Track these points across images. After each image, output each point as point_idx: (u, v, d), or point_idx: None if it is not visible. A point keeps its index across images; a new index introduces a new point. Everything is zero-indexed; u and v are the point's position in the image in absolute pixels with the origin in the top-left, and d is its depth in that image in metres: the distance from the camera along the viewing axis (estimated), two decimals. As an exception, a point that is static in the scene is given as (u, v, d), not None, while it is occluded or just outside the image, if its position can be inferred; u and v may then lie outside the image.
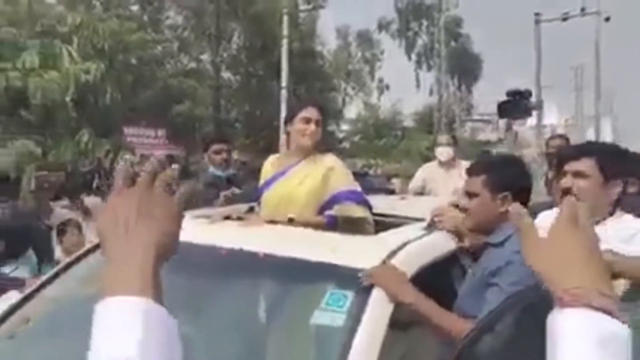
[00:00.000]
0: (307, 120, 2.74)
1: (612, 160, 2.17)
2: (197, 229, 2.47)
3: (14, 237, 3.63)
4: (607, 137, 31.50)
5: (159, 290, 0.73)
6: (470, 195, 2.12)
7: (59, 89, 6.53)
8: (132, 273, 0.72)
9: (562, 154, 2.37)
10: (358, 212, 2.66)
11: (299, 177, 2.71)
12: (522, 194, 2.10)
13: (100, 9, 19.60)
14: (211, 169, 4.32)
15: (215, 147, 4.32)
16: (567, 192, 2.15)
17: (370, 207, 2.74)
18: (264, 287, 2.27)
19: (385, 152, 29.43)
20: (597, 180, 2.13)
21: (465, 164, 5.21)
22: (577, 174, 2.15)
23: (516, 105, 9.06)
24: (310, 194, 2.65)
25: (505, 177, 2.12)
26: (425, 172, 5.14)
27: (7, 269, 3.45)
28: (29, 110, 6.66)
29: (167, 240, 0.77)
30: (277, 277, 2.19)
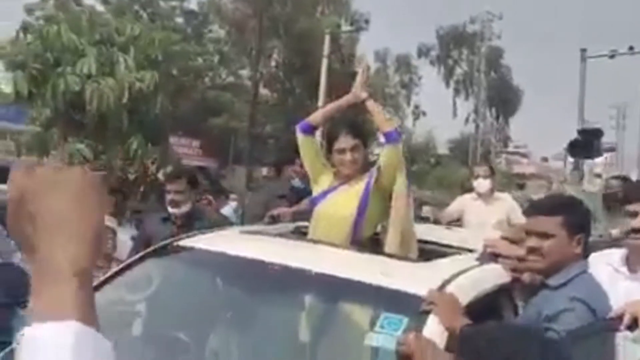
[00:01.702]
0: (342, 151, 2.71)
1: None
2: (250, 245, 2.50)
3: None
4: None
5: (89, 309, 0.67)
6: (542, 235, 2.02)
7: (113, 95, 6.71)
8: (56, 295, 0.66)
9: (631, 193, 2.30)
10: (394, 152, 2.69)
11: (345, 200, 2.70)
12: (588, 237, 2.08)
13: (147, 20, 20.14)
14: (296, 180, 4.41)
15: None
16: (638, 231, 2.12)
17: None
18: (316, 306, 2.27)
19: (417, 178, 29.29)
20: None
21: (503, 196, 5.15)
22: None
23: (588, 144, 8.84)
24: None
25: (582, 218, 2.08)
26: (462, 204, 5.08)
27: None
28: (84, 115, 6.87)
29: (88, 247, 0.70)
30: (330, 296, 2.19)
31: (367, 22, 27.60)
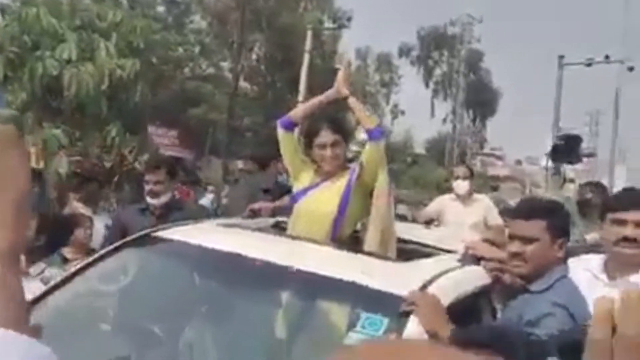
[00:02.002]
0: (323, 146, 2.69)
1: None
2: (228, 238, 2.46)
3: (56, 229, 3.38)
4: (621, 184, 31.38)
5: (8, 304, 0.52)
6: (525, 240, 2.02)
7: (93, 81, 6.56)
8: None
9: (621, 201, 2.29)
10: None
11: (326, 197, 2.68)
12: (568, 241, 2.09)
13: (126, 7, 19.80)
14: (283, 176, 4.37)
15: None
16: (633, 240, 2.14)
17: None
18: (294, 303, 2.24)
19: (394, 176, 29.44)
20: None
21: (480, 197, 5.19)
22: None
23: (571, 150, 8.94)
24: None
25: (564, 222, 2.10)
26: (441, 204, 5.11)
27: (35, 269, 3.14)
28: (61, 100, 6.71)
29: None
30: (309, 293, 2.16)
31: (349, 19, 27.55)
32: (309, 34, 21.84)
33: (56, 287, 2.49)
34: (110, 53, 6.85)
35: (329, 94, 2.79)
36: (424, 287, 1.98)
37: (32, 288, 2.59)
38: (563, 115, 19.39)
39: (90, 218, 4.51)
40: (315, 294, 2.14)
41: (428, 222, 4.85)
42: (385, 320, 1.84)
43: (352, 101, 2.74)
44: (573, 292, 1.99)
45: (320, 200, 2.65)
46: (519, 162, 41.89)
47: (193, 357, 2.32)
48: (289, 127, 2.78)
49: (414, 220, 4.83)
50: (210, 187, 10.90)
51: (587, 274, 2.26)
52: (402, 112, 35.69)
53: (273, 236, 2.60)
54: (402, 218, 4.96)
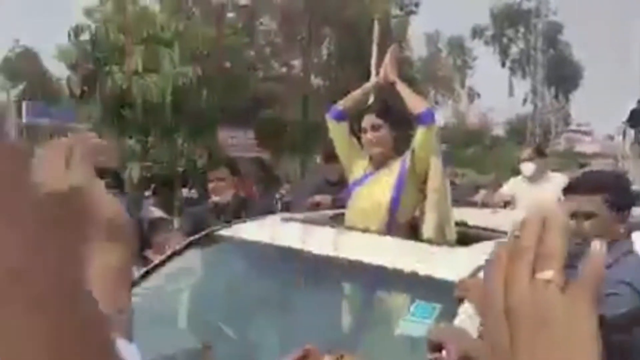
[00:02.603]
0: (364, 131, 2.67)
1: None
2: (285, 232, 2.52)
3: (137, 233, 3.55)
4: None
5: None
6: (585, 215, 1.94)
7: (158, 91, 6.90)
8: None
9: None
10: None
11: (380, 186, 2.65)
12: (630, 214, 1.98)
13: (199, 16, 20.52)
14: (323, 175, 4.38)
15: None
16: None
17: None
18: (350, 294, 2.26)
19: (473, 161, 28.63)
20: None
21: (555, 176, 4.96)
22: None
23: None
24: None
25: (624, 194, 1.99)
26: (512, 187, 4.94)
27: None
28: (133, 111, 7.13)
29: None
30: (364, 284, 2.17)
31: (417, 5, 27.08)
32: (376, 24, 21.65)
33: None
34: (174, 62, 7.15)
35: (377, 79, 2.77)
36: (477, 271, 1.93)
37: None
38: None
39: (169, 220, 4.75)
40: (371, 285, 2.15)
41: (501, 206, 4.71)
42: (438, 307, 1.82)
43: (399, 86, 2.70)
44: (639, 267, 1.88)
45: (373, 189, 2.63)
46: (610, 137, 39.53)
47: (260, 351, 2.39)
48: (340, 117, 2.78)
49: (484, 205, 4.68)
50: (286, 185, 11.13)
51: None
52: (478, 95, 34.70)
53: (330, 228, 2.62)
54: (472, 205, 4.81)
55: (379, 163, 2.69)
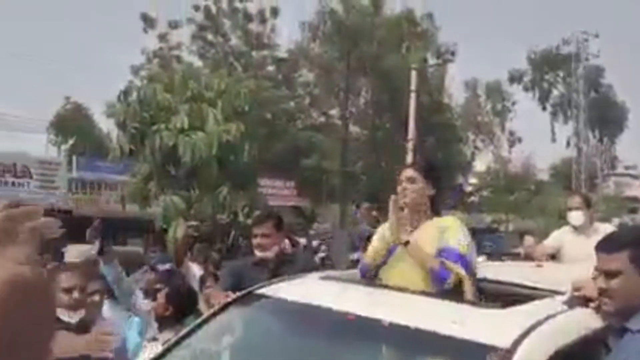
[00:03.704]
0: (400, 182, 2.72)
1: None
2: (322, 292, 2.52)
3: (183, 300, 3.46)
4: None
5: None
6: (609, 274, 1.91)
7: (204, 148, 7.16)
8: None
9: None
10: (462, 275, 2.51)
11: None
12: None
13: (240, 70, 21.22)
14: (363, 224, 4.40)
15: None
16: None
17: (474, 277, 2.56)
18: (390, 357, 2.23)
19: (516, 207, 28.06)
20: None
21: (603, 226, 4.79)
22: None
23: None
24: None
25: None
26: (558, 238, 4.78)
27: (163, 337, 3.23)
28: (179, 167, 7.41)
29: None
30: (403, 346, 2.14)
31: (453, 54, 27.28)
32: (414, 73, 21.89)
33: (171, 347, 2.67)
34: (218, 119, 7.42)
35: (390, 240, 2.69)
36: (523, 336, 1.88)
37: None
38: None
39: (214, 275, 4.77)
40: (408, 347, 2.11)
41: (546, 259, 4.57)
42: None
43: (410, 247, 2.62)
44: None
45: (403, 266, 2.63)
46: None
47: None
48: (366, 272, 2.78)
49: (527, 257, 4.55)
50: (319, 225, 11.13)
51: None
52: (519, 140, 34.23)
53: (368, 288, 2.61)
54: (514, 257, 4.70)
55: (415, 221, 2.69)
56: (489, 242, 10.70)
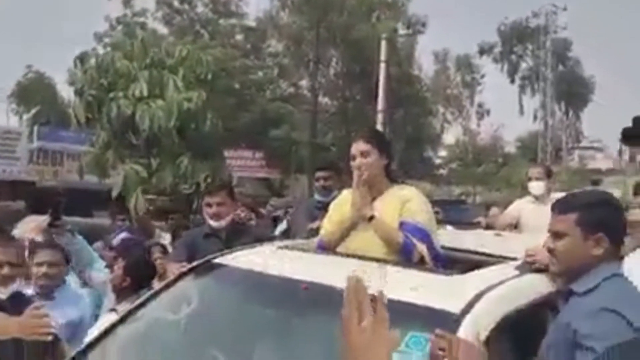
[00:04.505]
0: (353, 157, 2.64)
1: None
2: (279, 261, 2.49)
3: (141, 271, 3.40)
4: None
5: None
6: (557, 235, 1.92)
7: (163, 116, 6.97)
8: None
9: None
10: (425, 253, 2.50)
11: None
12: (617, 236, 1.90)
13: (207, 38, 20.81)
14: (316, 195, 4.37)
15: (317, 173, 4.35)
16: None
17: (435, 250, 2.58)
18: (339, 324, 2.21)
19: (484, 179, 28.49)
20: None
21: (561, 196, 4.86)
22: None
23: None
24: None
25: (602, 215, 1.89)
26: (518, 208, 4.86)
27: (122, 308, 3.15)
28: (138, 136, 7.23)
29: None
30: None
31: (424, 24, 27.22)
32: (384, 43, 21.76)
33: (125, 317, 2.62)
34: (178, 87, 7.23)
35: (353, 216, 2.64)
36: (474, 300, 1.89)
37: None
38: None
39: (163, 245, 4.68)
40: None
41: (509, 229, 4.64)
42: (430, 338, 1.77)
43: (375, 222, 2.58)
44: (626, 293, 1.81)
45: (364, 235, 2.60)
46: (632, 155, 39.07)
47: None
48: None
49: (488, 227, 4.61)
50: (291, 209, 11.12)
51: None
52: (488, 112, 34.62)
53: (324, 256, 2.59)
54: (475, 225, 4.75)
55: (375, 192, 2.65)
56: (456, 213, 10.85)
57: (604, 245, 1.85)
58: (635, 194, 3.33)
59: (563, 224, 1.91)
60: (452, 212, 11.04)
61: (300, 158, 23.50)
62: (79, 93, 7.41)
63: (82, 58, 7.63)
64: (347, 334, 0.96)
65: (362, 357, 0.91)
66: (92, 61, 7.63)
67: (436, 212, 3.07)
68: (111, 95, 7.27)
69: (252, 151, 20.73)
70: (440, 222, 4.30)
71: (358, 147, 2.64)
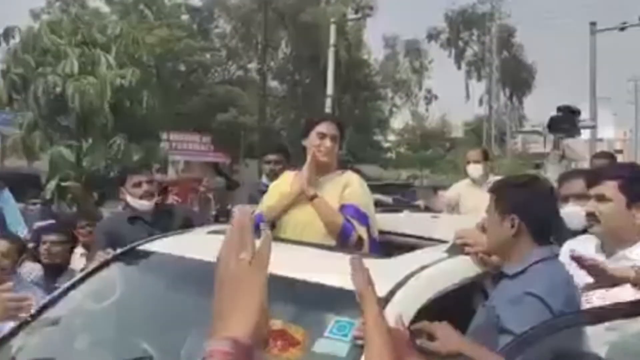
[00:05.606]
0: (322, 136, 2.65)
1: (637, 184, 2.04)
2: (209, 246, 2.40)
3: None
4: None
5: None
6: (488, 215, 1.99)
7: (95, 93, 6.65)
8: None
9: (588, 178, 2.21)
10: (363, 236, 2.54)
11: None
12: (536, 221, 1.91)
13: (151, 18, 20.16)
14: (263, 179, 4.29)
15: (267, 157, 4.26)
16: (590, 215, 2.07)
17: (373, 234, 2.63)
18: (270, 309, 2.15)
19: (431, 163, 28.99)
20: (620, 203, 2.02)
21: (497, 179, 4.96)
22: (600, 198, 2.05)
23: (567, 121, 8.57)
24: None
25: (514, 199, 1.93)
26: (457, 190, 4.94)
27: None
28: (68, 117, 6.88)
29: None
30: (281, 299, 2.07)
31: (372, 9, 27.24)
32: (333, 27, 21.67)
33: (49, 304, 2.48)
34: (111, 65, 6.94)
35: (297, 189, 2.62)
36: (403, 281, 1.87)
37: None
38: (603, 83, 18.66)
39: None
40: (290, 299, 2.04)
41: (449, 211, 4.69)
42: (355, 324, 1.73)
43: (317, 201, 2.58)
44: (551, 278, 1.82)
45: (305, 210, 2.58)
46: (556, 143, 40.44)
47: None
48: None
49: (427, 209, 4.65)
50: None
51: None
52: (436, 97, 35.15)
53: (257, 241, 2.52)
54: (415, 208, 4.79)
55: (321, 174, 2.64)
56: (402, 196, 10.99)
57: (517, 228, 1.88)
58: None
59: (488, 202, 1.99)
60: (397, 195, 11.18)
61: (250, 142, 23.26)
62: (4, 72, 6.99)
63: (5, 34, 7.18)
64: (224, 268, 0.93)
65: (237, 286, 0.89)
66: (17, 38, 7.19)
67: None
68: (39, 70, 6.87)
69: (199, 135, 20.33)
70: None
71: (330, 129, 2.66)
